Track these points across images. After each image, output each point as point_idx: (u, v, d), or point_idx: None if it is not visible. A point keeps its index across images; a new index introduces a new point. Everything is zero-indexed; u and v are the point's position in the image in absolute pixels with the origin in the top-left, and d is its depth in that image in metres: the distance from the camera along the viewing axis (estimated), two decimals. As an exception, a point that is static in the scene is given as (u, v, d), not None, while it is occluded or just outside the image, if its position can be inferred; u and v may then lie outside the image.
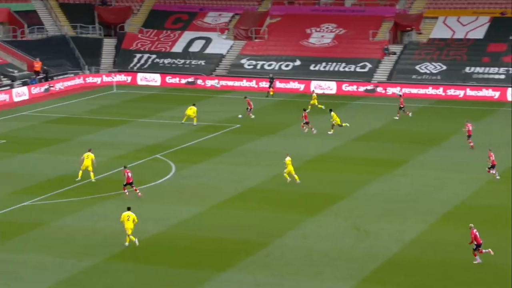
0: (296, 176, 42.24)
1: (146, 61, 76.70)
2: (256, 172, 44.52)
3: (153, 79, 73.78)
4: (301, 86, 70.06)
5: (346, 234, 34.57)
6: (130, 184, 40.19)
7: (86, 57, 76.64)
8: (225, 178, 43.72)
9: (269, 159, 47.13)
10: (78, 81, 73.16)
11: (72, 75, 73.78)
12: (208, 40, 77.83)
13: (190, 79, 72.29)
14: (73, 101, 66.20)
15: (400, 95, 60.23)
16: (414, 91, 67.42)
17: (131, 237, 33.81)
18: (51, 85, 69.80)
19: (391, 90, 67.94)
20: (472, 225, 31.97)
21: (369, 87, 68.79)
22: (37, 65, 71.57)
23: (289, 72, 72.77)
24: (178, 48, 77.50)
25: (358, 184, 42.11)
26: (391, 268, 31.47)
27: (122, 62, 76.71)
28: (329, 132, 53.01)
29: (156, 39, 78.89)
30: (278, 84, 70.15)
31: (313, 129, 53.25)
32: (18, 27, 77.02)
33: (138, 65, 76.39)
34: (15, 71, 70.46)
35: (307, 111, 55.03)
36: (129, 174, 40.20)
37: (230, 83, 71.76)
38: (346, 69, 71.81)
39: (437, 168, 44.89)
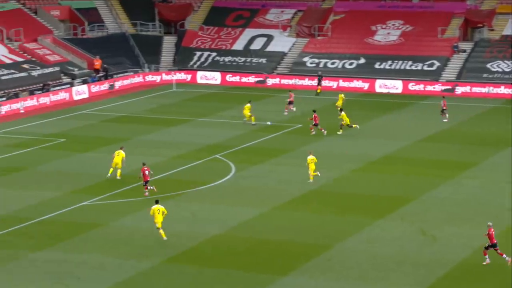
0: (311, 177, 42.30)
1: (206, 59, 77.04)
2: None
3: (213, 78, 74.06)
4: (365, 85, 69.52)
5: (412, 239, 34.12)
6: (147, 182, 40.56)
7: (146, 55, 77.33)
8: (286, 179, 43.58)
9: (332, 160, 46.82)
10: (137, 79, 73.87)
11: (132, 73, 74.53)
12: (269, 38, 77.79)
13: (259, 78, 71.97)
14: (133, 100, 66.84)
15: (444, 97, 59.19)
16: (484, 90, 66.31)
17: (161, 231, 34.31)
18: (112, 83, 70.55)
19: (460, 90, 66.97)
20: (490, 223, 31.83)
21: (436, 86, 67.90)
22: (97, 63, 72.49)
23: (353, 71, 72.27)
24: (239, 45, 77.64)
25: (425, 187, 41.54)
26: (459, 275, 30.93)
27: (182, 60, 77.18)
28: (338, 132, 52.68)
29: (216, 36, 79.17)
30: (342, 83, 69.75)
31: (323, 130, 52.78)
32: (78, 25, 78.15)
33: (198, 63, 76.77)
34: (75, 69, 71.48)
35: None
36: (146, 172, 40.62)
37: (291, 81, 71.59)
38: (413, 67, 71.01)
39: (507, 171, 44.02)
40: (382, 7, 78.32)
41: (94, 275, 31.10)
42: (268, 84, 71.80)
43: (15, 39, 72.10)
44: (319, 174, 42.88)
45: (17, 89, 65.24)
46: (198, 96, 68.15)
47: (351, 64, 73.10)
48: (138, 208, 38.87)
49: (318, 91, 67.17)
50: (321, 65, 73.45)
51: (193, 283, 30.60)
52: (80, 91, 67.91)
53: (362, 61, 73.10)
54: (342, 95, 60.35)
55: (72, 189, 41.66)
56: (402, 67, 71.30)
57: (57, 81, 68.87)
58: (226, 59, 76.53)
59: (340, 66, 73.09)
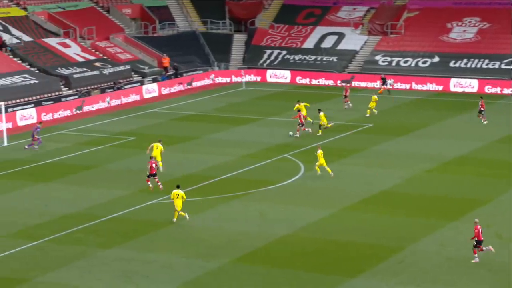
0: (329, 169, 42.82)
1: (276, 57, 77.05)
2: (389, 174, 43.85)
3: (283, 76, 74.02)
4: (440, 84, 68.59)
5: (487, 242, 33.44)
6: (153, 175, 41.03)
7: (215, 53, 77.78)
8: (356, 180, 43.27)
9: (403, 161, 46.33)
10: (207, 77, 74.28)
11: (201, 71, 75.03)
12: (341, 36, 77.40)
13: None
14: (202, 98, 67.28)
15: (482, 97, 57.89)
16: None
17: (181, 212, 36.24)
18: (189, 81, 71.24)
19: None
20: (477, 220, 32.21)
21: (513, 85, 66.66)
22: (165, 61, 73.21)
23: (427, 69, 71.41)
24: (309, 44, 77.45)
25: (501, 189, 40.75)
26: (536, 281, 30.23)
27: (252, 59, 77.36)
28: (318, 134, 52.37)
29: (287, 34, 79.12)
30: (413, 85, 68.98)
31: (306, 129, 52.59)
32: (149, 23, 79.05)
33: (268, 61, 76.84)
34: (146, 68, 72.31)
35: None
36: (153, 165, 41.12)
37: (363, 83, 71.08)
38: (490, 66, 69.78)
39: None
40: (458, 4, 77.15)
41: (162, 274, 31.37)
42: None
43: (88, 38, 73.33)
44: (319, 171, 43.16)
45: (88, 87, 66.33)
46: (267, 94, 68.20)
47: (424, 62, 72.22)
48: (205, 208, 39.09)
49: (380, 92, 66.67)
50: (394, 63, 72.77)
51: (261, 283, 30.60)
52: (150, 90, 68.65)
53: (436, 59, 72.15)
54: (376, 96, 59.09)
55: (141, 188, 42.10)
56: (478, 66, 70.13)
57: (128, 80, 69.79)
58: (296, 57, 76.41)
59: (413, 64, 72.28)
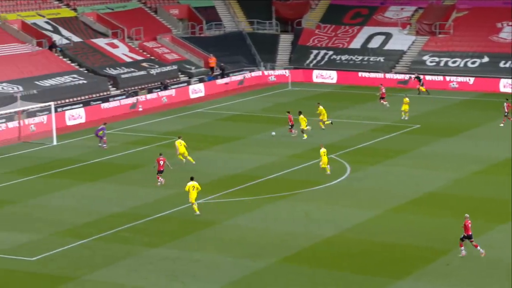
0: (327, 168, 43.31)
1: (322, 57, 76.90)
2: (436, 176, 43.49)
3: (329, 76, 73.84)
4: (489, 85, 67.82)
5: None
6: (161, 172, 42.28)
7: (262, 53, 77.86)
8: (403, 181, 43.00)
9: (451, 162, 45.92)
10: (253, 78, 74.42)
11: (248, 71, 75.17)
12: (388, 36, 76.95)
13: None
14: (248, 99, 67.40)
15: (507, 99, 57.03)
16: None
17: (195, 206, 37.18)
18: (242, 79, 71.49)
19: None
20: (467, 215, 32.48)
21: None
22: (211, 61, 73.50)
23: (476, 70, 70.66)
24: (356, 44, 77.14)
25: (550, 191, 40.15)
26: None
27: (298, 59, 77.30)
28: (303, 138, 51.89)
29: (333, 34, 78.91)
30: (462, 85, 68.29)
31: (293, 131, 52.55)
32: (196, 23, 79.43)
33: (314, 61, 76.70)
34: (192, 68, 72.69)
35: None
36: (161, 163, 42.21)
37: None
38: (541, 66, 68.87)
39: None
40: (508, 3, 76.17)
41: (209, 273, 31.51)
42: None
43: (135, 38, 73.94)
44: (329, 171, 43.51)
45: (136, 87, 66.88)
46: (313, 95, 68.07)
47: (473, 62, 71.47)
48: (251, 208, 39.17)
49: (423, 90, 66.07)
50: (442, 64, 72.14)
51: (308, 284, 30.57)
52: (197, 90, 68.99)
53: (485, 59, 71.35)
54: (407, 98, 57.88)
55: (186, 187, 42.24)
56: (529, 66, 69.25)
57: (175, 80, 70.21)
58: (343, 57, 76.15)
59: (462, 64, 71.58)
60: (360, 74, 73.00)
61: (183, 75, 71.67)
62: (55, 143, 51.64)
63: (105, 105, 61.78)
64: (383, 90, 61.90)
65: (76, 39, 69.81)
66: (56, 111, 55.36)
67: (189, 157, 45.09)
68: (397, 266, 31.93)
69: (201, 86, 69.71)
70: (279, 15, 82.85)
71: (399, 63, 74.43)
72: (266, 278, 31.15)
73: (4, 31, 66.85)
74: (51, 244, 34.33)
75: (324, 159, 43.81)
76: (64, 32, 70.06)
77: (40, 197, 41.06)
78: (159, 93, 65.67)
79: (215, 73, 73.23)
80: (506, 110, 54.87)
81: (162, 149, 50.36)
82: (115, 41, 71.60)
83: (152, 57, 72.24)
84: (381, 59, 74.77)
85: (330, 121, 54.75)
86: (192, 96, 68.19)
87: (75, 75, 64.52)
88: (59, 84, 62.42)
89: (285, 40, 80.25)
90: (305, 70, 75.09)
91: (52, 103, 54.51)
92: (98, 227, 36.46)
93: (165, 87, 67.61)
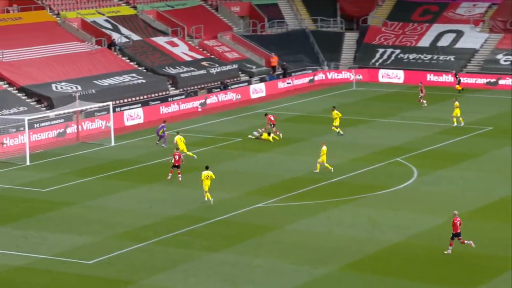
0: (327, 165, 44.53)
1: (389, 56, 76.35)
2: (508, 181, 42.78)
3: (396, 76, 73.29)
4: None
5: None
6: (177, 167, 43.61)
7: (325, 52, 77.65)
8: (473, 186, 42.45)
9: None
10: (316, 77, 74.31)
11: (311, 71, 75.06)
12: (459, 33, 76.05)
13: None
14: (311, 99, 67.29)
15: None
16: None
17: (208, 194, 39.36)
18: (312, 77, 71.54)
19: None
20: (456, 212, 33.41)
21: None
22: (273, 60, 73.56)
23: (554, 69, 69.44)
24: (425, 42, 76.41)
25: None
26: None
27: (363, 58, 76.89)
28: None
29: (401, 32, 78.30)
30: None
31: (278, 133, 52.41)
32: (258, 21, 79.59)
33: (380, 60, 76.21)
34: (253, 67, 72.86)
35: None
36: (176, 157, 43.56)
37: (483, 80, 69.63)
38: None
39: None
40: None
41: (268, 279, 31.53)
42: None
43: (195, 36, 74.43)
44: (318, 168, 44.46)
45: (195, 87, 67.31)
46: (379, 95, 67.66)
47: (551, 61, 70.26)
48: (313, 212, 39.08)
49: (460, 88, 65.69)
50: (516, 62, 71.04)
51: (371, 292, 30.40)
52: (258, 89, 69.12)
53: None
54: (457, 102, 56.44)
55: (247, 190, 42.45)
56: None
57: (235, 79, 70.45)
58: (411, 56, 75.51)
59: (538, 64, 70.39)
60: (428, 74, 72.25)
61: (243, 75, 71.89)
62: (113, 143, 52.28)
63: (163, 106, 62.25)
64: (423, 89, 61.64)
65: (135, 37, 70.57)
66: (114, 111, 56.03)
67: (188, 153, 46.81)
68: (467, 275, 31.51)
69: (262, 85, 69.83)
70: (344, 12, 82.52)
71: (471, 62, 73.47)
72: (327, 285, 31.04)
73: (64, 29, 67.93)
74: (108, 247, 34.73)
75: (323, 158, 44.58)
76: (124, 30, 70.88)
77: (97, 198, 41.61)
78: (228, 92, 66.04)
79: (276, 73, 73.27)
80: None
81: (221, 151, 50.57)
82: (175, 40, 72.18)
83: (212, 56, 72.64)
84: (451, 58, 73.91)
85: (338, 131, 53.12)
86: (253, 96, 68.35)
87: (134, 74, 65.22)
88: (118, 83, 63.17)
89: (350, 38, 79.90)
90: (370, 70, 74.64)
91: (110, 103, 55.20)
92: (156, 230, 36.78)
93: (225, 87, 67.92)
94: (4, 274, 31.88)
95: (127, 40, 69.52)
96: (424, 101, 61.63)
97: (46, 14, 68.29)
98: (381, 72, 74.05)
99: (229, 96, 66.52)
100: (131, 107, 61.07)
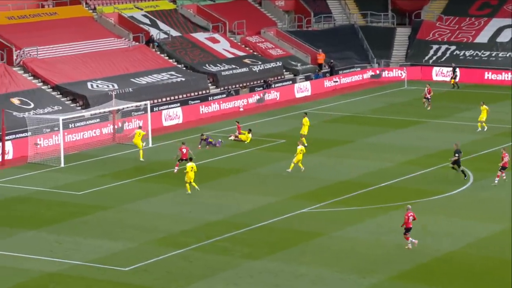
0: (300, 164, 45.36)
1: (443, 53, 75.92)
2: None
3: (451, 74, 72.79)
4: None
5: None
6: (186, 160, 45.03)
7: (375, 48, 77.42)
8: (534, 191, 42.06)
9: None
10: (365, 75, 74.11)
11: (359, 69, 74.88)
12: (520, 28, 75.38)
13: None
14: (359, 98, 67.13)
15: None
16: None
17: (194, 183, 41.85)
18: (336, 80, 71.38)
19: None
20: (409, 206, 35.08)
21: None
22: (320, 57, 73.52)
23: None
24: (483, 38, 75.83)
25: None
26: None
27: (416, 55, 76.54)
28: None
29: (457, 27, 77.81)
30: None
31: (231, 137, 53.00)
32: (304, 16, 79.60)
33: (434, 57, 75.80)
34: (298, 64, 72.88)
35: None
36: (184, 151, 45.45)
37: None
38: None
39: None
40: None
41: (312, 289, 31.56)
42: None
43: (238, 32, 74.66)
44: (292, 168, 45.37)
45: (237, 86, 67.51)
46: (433, 94, 67.22)
47: None
48: (361, 218, 39.01)
49: (452, 82, 66.99)
50: None
51: (422, 304, 30.28)
52: (303, 88, 69.14)
53: None
54: (485, 105, 55.42)
55: (291, 194, 42.49)
56: None
57: (279, 78, 70.53)
58: (467, 53, 75.01)
59: None
60: (486, 72, 71.65)
61: (288, 73, 71.94)
62: (150, 145, 52.63)
63: (203, 106, 62.51)
64: (429, 90, 61.17)
65: (174, 33, 71.01)
66: (152, 110, 56.42)
67: (141, 151, 48.57)
68: (525, 286, 31.25)
69: (307, 84, 69.82)
70: (396, 6, 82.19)
71: (533, 59, 72.83)
72: (376, 296, 31.01)
73: (100, 25, 68.56)
74: (145, 253, 34.99)
75: (299, 156, 45.38)
76: (162, 26, 71.36)
77: (134, 202, 41.93)
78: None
79: (323, 71, 73.22)
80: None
81: (264, 153, 50.69)
82: (216, 36, 72.48)
83: (255, 53, 72.80)
84: (511, 54, 73.23)
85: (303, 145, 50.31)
86: (298, 95, 68.38)
87: (172, 72, 65.62)
88: (156, 81, 63.59)
89: (401, 34, 79.57)
90: (423, 67, 74.26)
91: (148, 102, 55.60)
92: (196, 236, 36.97)
93: (268, 86, 68.02)
94: (38, 280, 32.29)
95: (166, 36, 69.97)
96: (429, 106, 60.69)
97: (82, 9, 69.00)
98: (435, 69, 73.61)
99: (273, 95, 66.61)
100: (170, 106, 61.44)
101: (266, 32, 75.92)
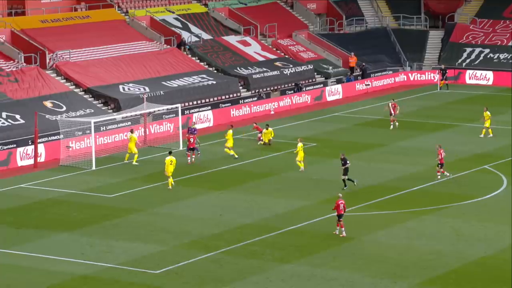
0: (301, 164, 46.30)
1: (477, 56, 75.52)
2: None
3: (485, 77, 72.42)
4: None
5: None
6: (192, 149, 47.79)
7: (407, 52, 77.22)
8: None
9: None
10: (397, 79, 73.91)
11: (391, 72, 74.68)
12: (557, 31, 74.83)
13: None
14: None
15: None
16: None
17: (170, 180, 43.13)
18: (368, 83, 71.25)
19: None
20: (340, 195, 37.36)
21: None
22: (352, 60, 73.42)
23: None
24: (517, 41, 75.40)
25: None
26: None
27: (449, 58, 76.19)
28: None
29: (491, 30, 77.36)
30: None
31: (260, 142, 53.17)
32: (336, 19, 79.54)
33: (468, 60, 75.43)
34: (330, 68, 72.83)
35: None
36: (191, 140, 47.76)
37: None
38: None
39: None
40: None
41: (343, 293, 31.55)
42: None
43: (269, 35, 74.74)
44: (302, 166, 46.21)
45: (268, 89, 67.60)
46: (466, 98, 66.98)
47: None
48: (392, 222, 38.91)
49: (441, 85, 67.32)
50: None
51: (454, 309, 30.17)
52: (334, 91, 69.07)
53: None
54: (488, 112, 54.29)
55: (322, 198, 42.47)
56: None
57: (310, 81, 70.52)
58: (501, 56, 74.56)
59: None
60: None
61: (319, 76, 71.92)
62: (181, 148, 52.83)
63: (234, 109, 62.71)
64: (394, 105, 57.48)
65: (206, 36, 71.25)
66: (182, 113, 56.65)
67: (136, 156, 48.99)
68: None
69: (338, 87, 69.75)
70: (429, 9, 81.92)
71: None
72: (408, 301, 30.93)
73: (132, 28, 68.96)
74: (176, 256, 35.16)
75: (301, 154, 46.37)
76: (194, 29, 71.63)
77: (165, 205, 42.13)
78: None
79: (354, 74, 73.12)
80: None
81: (294, 157, 50.63)
82: (247, 39, 72.62)
83: (286, 56, 72.86)
84: (547, 58, 72.81)
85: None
86: (329, 98, 68.33)
87: (204, 75, 65.84)
88: (187, 84, 63.82)
89: (434, 37, 79.28)
90: (456, 70, 73.89)
91: (179, 105, 55.84)
92: (226, 239, 37.08)
93: (299, 89, 68.04)
94: (69, 283, 32.55)
95: (197, 39, 70.23)
96: (392, 122, 57.17)
97: (115, 12, 69.45)
98: (468, 73, 73.23)
99: (304, 98, 66.64)
100: (201, 109, 61.66)
101: (298, 35, 75.96)
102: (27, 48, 60.68)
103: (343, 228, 36.84)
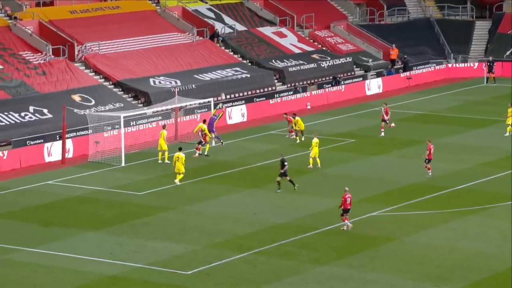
0: (318, 160, 46.35)
1: (527, 48, 75.00)
2: None
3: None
4: None
5: None
6: (200, 143, 49.24)
7: (452, 43, 76.81)
8: None
9: None
10: (441, 72, 73.50)
11: (435, 64, 74.29)
12: None
13: None
14: (434, 96, 66.62)
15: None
16: None
17: (178, 176, 43.86)
18: (409, 76, 70.94)
19: None
20: (347, 188, 37.44)
21: None
22: (393, 52, 73.14)
23: None
24: None
25: None
26: None
27: (497, 50, 75.63)
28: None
29: (542, 21, 76.75)
30: None
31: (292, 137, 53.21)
32: (376, 9, 79.25)
33: (517, 53, 74.90)
34: (370, 60, 72.60)
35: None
36: (200, 133, 49.22)
37: None
38: None
39: None
40: None
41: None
42: None
43: (306, 26, 74.65)
44: (312, 164, 46.30)
45: (304, 82, 67.52)
46: (390, 116, 66.27)
47: None
48: (435, 223, 38.75)
49: (491, 79, 67.26)
50: None
51: (499, 314, 29.98)
52: (374, 85, 68.84)
53: None
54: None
55: (361, 197, 42.35)
56: None
57: (349, 74, 70.34)
58: (553, 47, 73.96)
59: None
60: None
61: (358, 69, 71.73)
62: (213, 144, 52.93)
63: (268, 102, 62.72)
64: (386, 110, 55.24)
65: (240, 27, 71.29)
66: (215, 108, 56.69)
67: (166, 153, 48.92)
68: None
69: (379, 81, 69.52)
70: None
71: None
72: (450, 305, 30.78)
73: (164, 19, 69.15)
74: (207, 256, 35.23)
75: (315, 150, 46.37)
76: (228, 20, 71.70)
77: (196, 204, 42.24)
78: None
79: (395, 67, 72.83)
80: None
81: (332, 153, 50.61)
82: (283, 30, 72.58)
83: (324, 48, 72.75)
84: None
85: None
86: (368, 92, 68.12)
87: (237, 68, 65.90)
88: (220, 78, 63.91)
89: (481, 28, 78.75)
90: (505, 63, 73.33)
91: (211, 99, 55.92)
92: (260, 239, 37.10)
93: (337, 82, 67.89)
94: (98, 283, 32.75)
95: (231, 30, 70.30)
96: (383, 129, 54.84)
97: (146, 2, 69.73)
98: (517, 66, 72.69)
99: (342, 92, 66.47)
100: (234, 104, 61.71)
101: (336, 26, 75.78)
102: (55, 40, 61.10)
103: (347, 221, 37.45)
